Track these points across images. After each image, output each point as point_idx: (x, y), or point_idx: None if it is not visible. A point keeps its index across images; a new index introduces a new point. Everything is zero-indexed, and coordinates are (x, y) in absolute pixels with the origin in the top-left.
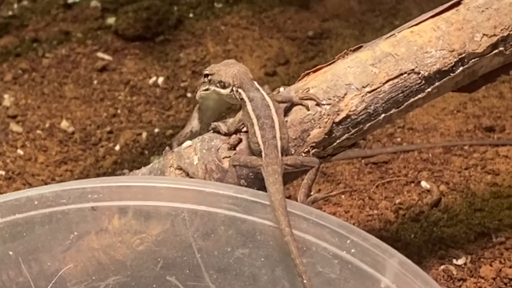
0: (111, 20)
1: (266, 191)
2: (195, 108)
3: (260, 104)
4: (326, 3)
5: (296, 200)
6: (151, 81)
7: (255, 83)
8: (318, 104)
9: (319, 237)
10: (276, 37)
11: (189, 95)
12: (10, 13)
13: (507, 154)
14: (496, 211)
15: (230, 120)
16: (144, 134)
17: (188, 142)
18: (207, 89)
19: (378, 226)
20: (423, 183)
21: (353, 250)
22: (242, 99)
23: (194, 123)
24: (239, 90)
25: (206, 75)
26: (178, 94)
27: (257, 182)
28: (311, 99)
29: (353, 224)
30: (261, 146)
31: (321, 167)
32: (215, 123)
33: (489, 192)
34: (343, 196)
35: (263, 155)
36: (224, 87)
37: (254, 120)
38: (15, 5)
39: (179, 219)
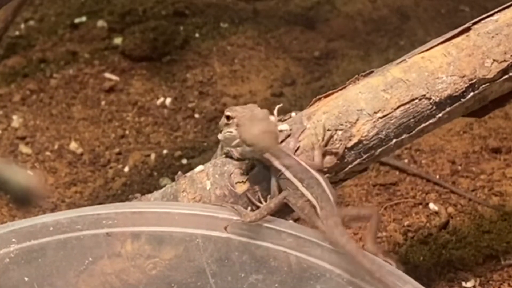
0: (118, 40)
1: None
2: (219, 146)
3: (299, 169)
4: (332, 23)
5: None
6: (158, 101)
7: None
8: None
9: (334, 264)
10: (282, 58)
11: (196, 116)
12: (17, 33)
13: None
14: (504, 233)
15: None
16: (153, 156)
17: (200, 167)
18: (231, 132)
19: (387, 248)
20: (431, 205)
21: (367, 277)
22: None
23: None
24: (267, 156)
25: (228, 117)
26: (186, 115)
27: None
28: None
29: (363, 246)
30: (314, 202)
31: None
32: (228, 148)
33: (496, 214)
34: None
35: (319, 208)
36: (248, 146)
37: (298, 184)
38: (22, 25)
39: (193, 244)
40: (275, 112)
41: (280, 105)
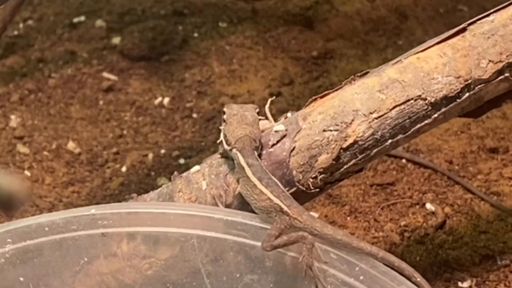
0: (116, 40)
1: None
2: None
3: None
4: (330, 23)
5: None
6: (156, 101)
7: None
8: None
9: (328, 264)
10: (281, 57)
11: (194, 115)
12: (15, 32)
13: (511, 175)
14: (500, 233)
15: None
16: (151, 155)
17: (196, 167)
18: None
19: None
20: (428, 205)
21: (361, 277)
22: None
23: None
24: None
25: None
26: (184, 115)
27: None
28: None
29: None
30: (278, 200)
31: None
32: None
33: (493, 214)
34: (348, 218)
35: (285, 207)
36: (226, 142)
37: (257, 182)
38: (21, 25)
39: (188, 244)
40: (267, 111)
41: (273, 97)
